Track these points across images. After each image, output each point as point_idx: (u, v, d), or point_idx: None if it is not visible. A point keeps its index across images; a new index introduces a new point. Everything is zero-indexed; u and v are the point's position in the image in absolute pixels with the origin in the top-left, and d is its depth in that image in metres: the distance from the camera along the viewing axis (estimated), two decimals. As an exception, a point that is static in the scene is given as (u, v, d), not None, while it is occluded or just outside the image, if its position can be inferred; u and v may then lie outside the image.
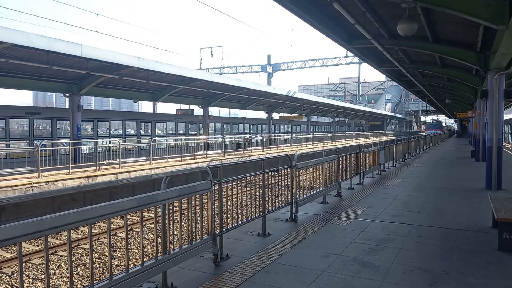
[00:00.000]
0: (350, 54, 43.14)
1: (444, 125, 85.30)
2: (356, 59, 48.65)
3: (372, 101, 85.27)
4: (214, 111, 37.12)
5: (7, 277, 7.21)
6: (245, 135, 29.67)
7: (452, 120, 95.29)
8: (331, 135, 39.57)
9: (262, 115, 38.86)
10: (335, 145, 31.35)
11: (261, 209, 5.54)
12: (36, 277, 7.25)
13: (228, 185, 5.14)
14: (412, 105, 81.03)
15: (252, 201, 5.56)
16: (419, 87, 23.06)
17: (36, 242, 9.05)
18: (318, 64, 51.89)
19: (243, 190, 6.13)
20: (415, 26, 8.42)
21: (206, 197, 4.30)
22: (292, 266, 4.26)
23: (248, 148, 23.93)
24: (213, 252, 4.29)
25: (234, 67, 56.38)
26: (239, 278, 3.92)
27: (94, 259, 8.20)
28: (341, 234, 5.50)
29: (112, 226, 9.79)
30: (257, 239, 5.28)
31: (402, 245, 4.99)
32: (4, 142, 16.08)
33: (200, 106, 27.25)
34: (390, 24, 10.42)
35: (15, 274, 7.36)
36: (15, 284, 6.95)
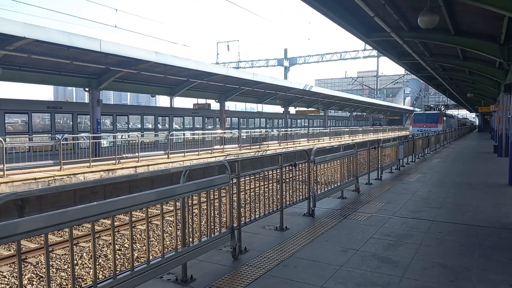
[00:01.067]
0: (368, 47, 42.50)
1: (454, 117, 56.11)
2: (374, 52, 47.81)
3: (391, 95, 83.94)
4: (230, 105, 37.20)
5: (32, 267, 7.45)
6: (261, 130, 29.68)
7: (473, 115, 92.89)
8: (348, 129, 39.18)
9: (278, 109, 38.78)
10: (352, 140, 31.06)
11: (278, 204, 5.55)
12: (59, 267, 7.46)
13: (246, 179, 5.17)
14: (432, 99, 79.28)
15: (269, 195, 5.58)
16: (439, 80, 22.57)
17: (59, 233, 9.31)
18: (336, 58, 51.22)
19: (260, 184, 6.15)
20: (436, 18, 8.23)
21: (224, 191, 4.33)
22: (310, 260, 4.26)
23: (264, 143, 23.94)
24: (232, 245, 4.33)
25: (251, 61, 56.19)
26: (257, 272, 3.94)
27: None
28: (360, 229, 5.46)
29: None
30: (275, 233, 5.29)
31: (422, 241, 4.93)
32: (27, 135, 16.54)
33: (216, 100, 27.36)
34: (410, 16, 10.22)
35: (39, 264, 7.60)
36: (40, 274, 7.18)
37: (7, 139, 12.82)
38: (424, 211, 6.55)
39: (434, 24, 8.28)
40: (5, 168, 10.45)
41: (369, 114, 61.66)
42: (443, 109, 45.69)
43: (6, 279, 6.96)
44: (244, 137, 22.77)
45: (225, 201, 4.37)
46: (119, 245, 8.60)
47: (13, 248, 8.34)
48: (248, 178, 5.26)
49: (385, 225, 5.69)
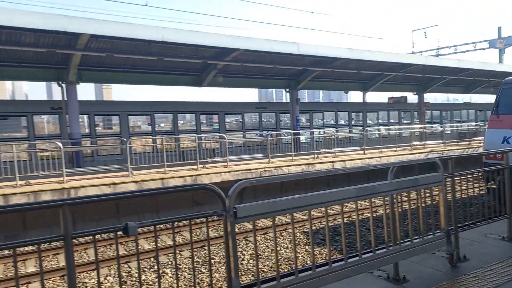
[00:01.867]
0: None
1: None
2: None
3: None
4: (429, 97, 33.84)
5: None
6: (470, 123, 25.85)
7: None
8: None
9: (491, 99, 32.88)
10: None
11: (504, 210, 4.72)
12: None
13: (461, 179, 4.60)
14: None
15: (489, 199, 4.80)
16: None
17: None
18: None
19: (475, 185, 5.37)
20: None
21: (436, 190, 3.99)
22: (557, 283, 3.46)
23: (475, 138, 20.78)
24: (448, 251, 3.95)
25: (453, 46, 49.33)
26: (482, 285, 3.46)
27: (318, 240, 8.90)
28: None
29: (331, 212, 10.37)
30: (502, 244, 4.54)
31: None
32: (241, 132, 19.37)
33: (414, 93, 25.45)
34: None
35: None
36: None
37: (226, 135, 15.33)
38: None
39: None
40: (228, 160, 12.54)
41: None
42: None
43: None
44: (448, 132, 20.33)
45: (437, 201, 4.02)
46: (322, 235, 9.04)
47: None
48: (465, 178, 4.68)
49: None
